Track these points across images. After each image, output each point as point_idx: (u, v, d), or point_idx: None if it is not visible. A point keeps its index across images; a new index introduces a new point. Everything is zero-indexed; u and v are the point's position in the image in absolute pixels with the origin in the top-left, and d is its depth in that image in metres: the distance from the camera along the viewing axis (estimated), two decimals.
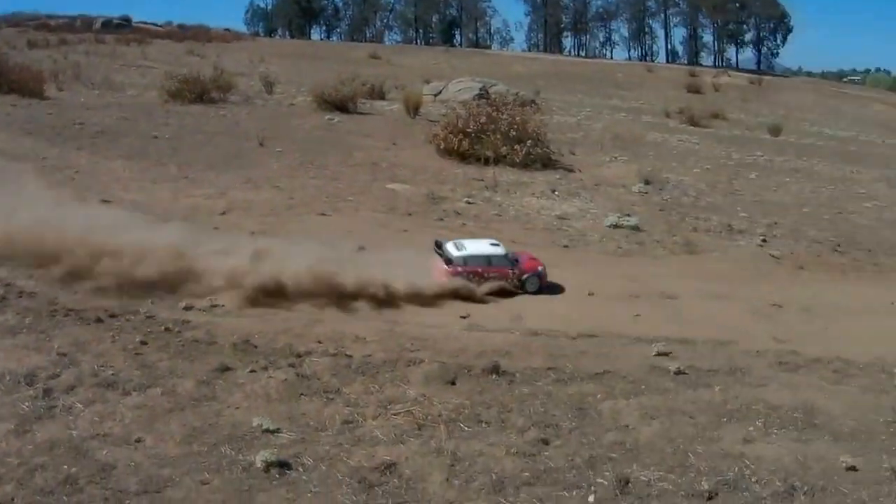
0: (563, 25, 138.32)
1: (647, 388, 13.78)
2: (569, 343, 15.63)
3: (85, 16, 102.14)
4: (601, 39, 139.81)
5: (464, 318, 16.57)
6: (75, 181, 24.74)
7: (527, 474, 10.86)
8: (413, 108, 43.14)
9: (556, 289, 18.79)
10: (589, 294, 18.54)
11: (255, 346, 14.24)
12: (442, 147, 33.23)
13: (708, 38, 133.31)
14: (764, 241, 25.08)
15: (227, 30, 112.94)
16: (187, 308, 15.71)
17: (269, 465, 10.46)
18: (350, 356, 14.11)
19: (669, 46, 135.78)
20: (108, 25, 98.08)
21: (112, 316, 15.04)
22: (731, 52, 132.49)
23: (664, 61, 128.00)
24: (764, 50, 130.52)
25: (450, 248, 18.65)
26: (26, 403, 11.64)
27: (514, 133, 33.09)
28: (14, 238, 16.59)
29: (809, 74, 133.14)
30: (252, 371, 13.21)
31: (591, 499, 10.47)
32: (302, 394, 12.61)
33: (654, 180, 32.21)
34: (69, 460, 10.33)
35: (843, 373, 15.07)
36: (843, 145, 54.35)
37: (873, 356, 15.75)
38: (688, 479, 10.97)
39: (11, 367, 12.68)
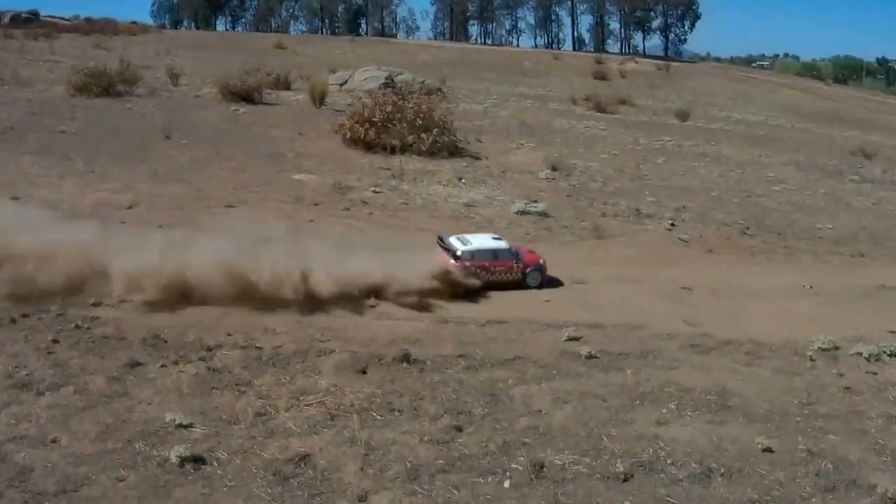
0: (469, 14, 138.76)
1: (559, 372, 14.13)
2: (478, 330, 15.93)
3: None
4: (507, 27, 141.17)
5: (373, 307, 16.71)
6: None
7: (441, 462, 11.10)
8: (319, 98, 43.06)
9: (555, 283, 19.03)
10: None
11: (165, 341, 14.26)
12: (348, 137, 33.34)
13: (615, 25, 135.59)
14: (672, 224, 25.73)
15: (133, 23, 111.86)
16: (96, 304, 15.58)
17: (183, 460, 10.59)
18: (260, 348, 14.25)
19: (576, 34, 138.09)
20: (16, 20, 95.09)
21: (24, 315, 14.88)
22: (638, 39, 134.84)
23: (571, 49, 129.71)
24: (672, 36, 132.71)
25: (455, 242, 18.71)
26: None
27: (420, 122, 33.41)
28: None
29: (718, 60, 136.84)
30: (163, 366, 13.28)
31: (506, 484, 10.69)
32: (213, 387, 12.74)
33: (562, 166, 32.89)
34: None
35: (755, 355, 15.58)
36: (752, 129, 56.10)
37: (785, 338, 16.30)
38: (602, 462, 11.30)
39: None
